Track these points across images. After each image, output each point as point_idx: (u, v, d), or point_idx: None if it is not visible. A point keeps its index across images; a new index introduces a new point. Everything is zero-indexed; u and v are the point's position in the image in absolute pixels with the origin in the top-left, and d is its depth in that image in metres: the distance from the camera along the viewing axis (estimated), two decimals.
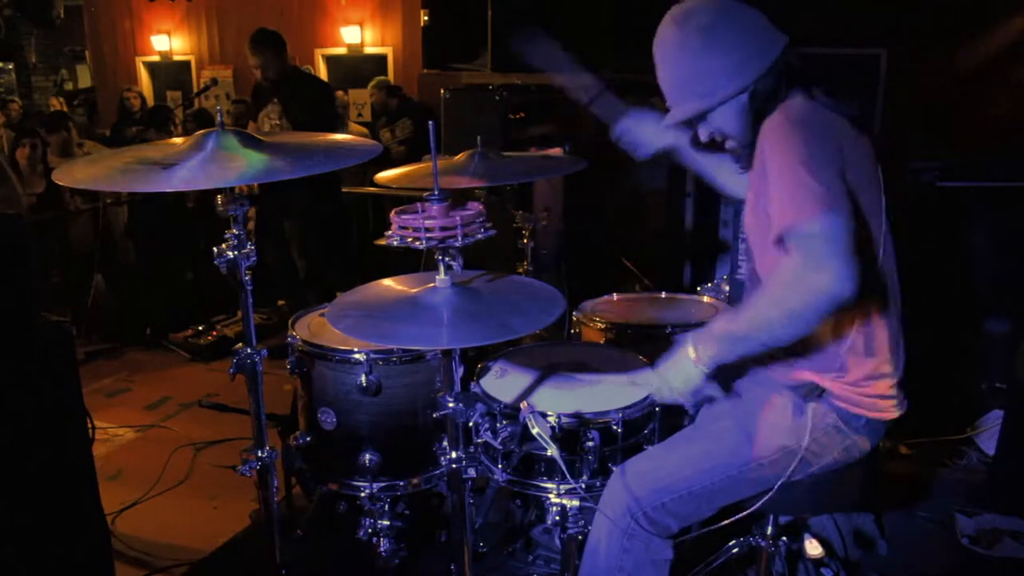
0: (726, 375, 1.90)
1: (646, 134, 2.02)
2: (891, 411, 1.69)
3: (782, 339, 1.49)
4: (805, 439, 1.66)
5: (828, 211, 1.38)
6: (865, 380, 1.66)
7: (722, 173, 2.02)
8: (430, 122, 1.50)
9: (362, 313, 1.56)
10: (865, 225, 1.55)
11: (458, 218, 1.52)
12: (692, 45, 1.58)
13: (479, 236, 1.56)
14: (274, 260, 4.62)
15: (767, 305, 1.45)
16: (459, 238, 1.52)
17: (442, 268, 1.55)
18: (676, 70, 1.64)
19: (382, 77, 7.14)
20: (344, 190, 4.93)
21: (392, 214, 1.57)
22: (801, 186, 1.41)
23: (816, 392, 1.67)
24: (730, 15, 1.58)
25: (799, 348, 1.70)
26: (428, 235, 1.51)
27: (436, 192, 1.52)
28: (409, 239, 1.53)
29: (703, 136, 1.71)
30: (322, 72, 8.17)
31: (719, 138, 1.70)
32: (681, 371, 1.58)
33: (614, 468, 1.78)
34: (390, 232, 1.56)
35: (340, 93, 7.09)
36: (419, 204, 1.55)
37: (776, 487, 1.67)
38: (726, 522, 1.73)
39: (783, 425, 1.68)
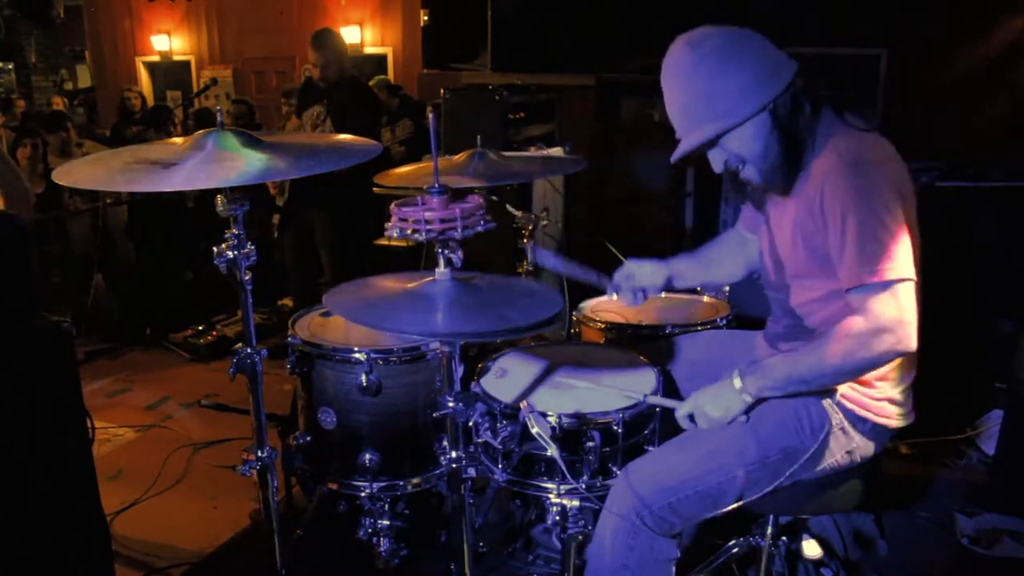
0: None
1: (643, 278, 2.05)
2: (897, 419, 1.70)
3: (838, 384, 1.63)
4: (809, 440, 1.67)
5: (898, 271, 1.43)
6: (876, 383, 1.67)
7: (713, 274, 2.11)
8: (431, 113, 1.50)
9: (360, 300, 1.55)
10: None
11: (458, 210, 1.51)
12: (708, 66, 1.54)
13: (479, 228, 1.55)
14: (292, 256, 4.53)
15: (833, 356, 1.51)
16: (459, 230, 1.51)
17: (442, 261, 1.55)
18: (691, 92, 1.58)
19: (382, 77, 7.13)
20: None
21: (392, 206, 1.56)
22: (870, 240, 1.45)
23: (824, 394, 1.68)
24: (743, 38, 1.56)
25: None
26: (428, 227, 1.50)
27: (436, 185, 1.52)
28: (409, 231, 1.53)
29: (717, 166, 1.66)
30: None
31: (734, 167, 1.64)
32: (723, 401, 1.67)
33: (614, 468, 1.78)
34: (390, 224, 1.55)
35: None
36: (419, 197, 1.54)
37: (774, 488, 1.68)
38: (725, 518, 1.73)
39: (788, 425, 1.69)
